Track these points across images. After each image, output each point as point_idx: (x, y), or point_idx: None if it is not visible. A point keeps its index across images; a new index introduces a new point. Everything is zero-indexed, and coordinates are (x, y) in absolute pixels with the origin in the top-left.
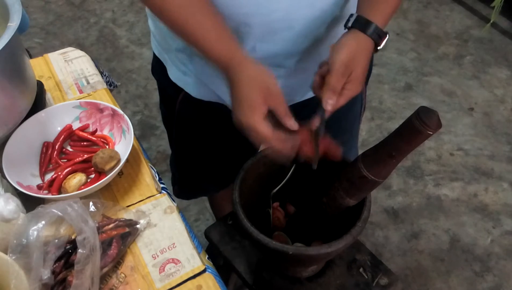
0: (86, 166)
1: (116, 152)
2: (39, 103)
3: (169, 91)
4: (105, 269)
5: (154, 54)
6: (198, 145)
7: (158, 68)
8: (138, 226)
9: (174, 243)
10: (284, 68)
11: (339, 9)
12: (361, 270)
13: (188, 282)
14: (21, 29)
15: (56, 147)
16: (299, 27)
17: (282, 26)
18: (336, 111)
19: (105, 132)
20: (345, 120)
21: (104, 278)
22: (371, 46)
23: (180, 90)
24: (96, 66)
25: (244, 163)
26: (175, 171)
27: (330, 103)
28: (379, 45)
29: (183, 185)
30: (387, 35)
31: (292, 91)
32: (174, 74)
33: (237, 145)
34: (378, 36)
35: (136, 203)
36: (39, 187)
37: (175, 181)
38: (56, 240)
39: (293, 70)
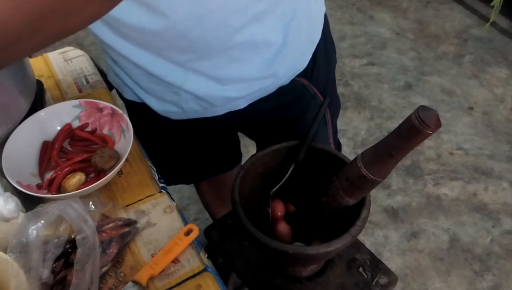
0: (85, 166)
1: (116, 152)
2: (38, 103)
3: (117, 91)
4: (104, 269)
5: None
6: (148, 143)
7: None
8: (137, 225)
9: None
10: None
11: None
12: (360, 269)
13: (188, 281)
14: None
15: (56, 146)
16: None
17: None
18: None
19: (105, 131)
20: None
21: (103, 278)
22: None
23: None
24: (96, 65)
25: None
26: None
27: None
28: None
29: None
30: None
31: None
32: (110, 75)
33: (182, 143)
34: None
35: (135, 202)
36: (39, 187)
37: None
38: (56, 240)
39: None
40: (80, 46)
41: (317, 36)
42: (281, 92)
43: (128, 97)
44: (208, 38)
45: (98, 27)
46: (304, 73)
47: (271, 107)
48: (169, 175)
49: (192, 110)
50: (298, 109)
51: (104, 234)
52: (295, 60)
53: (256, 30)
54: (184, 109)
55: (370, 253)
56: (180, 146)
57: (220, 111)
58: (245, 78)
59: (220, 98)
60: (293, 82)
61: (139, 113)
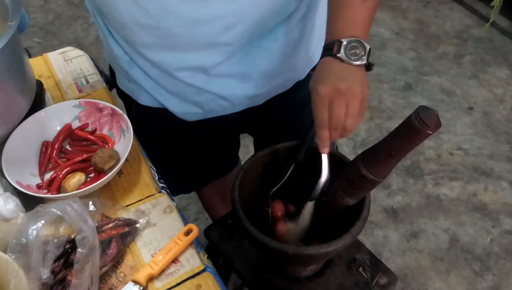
0: (85, 166)
1: (116, 152)
2: (38, 103)
3: (124, 98)
4: (104, 269)
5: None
6: (156, 149)
7: (113, 75)
8: (137, 225)
9: None
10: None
11: (293, 2)
12: (360, 269)
13: (188, 281)
14: (20, 28)
15: (56, 146)
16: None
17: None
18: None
19: (105, 131)
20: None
21: (103, 278)
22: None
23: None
24: (96, 65)
25: (210, 163)
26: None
27: (324, 150)
28: (360, 57)
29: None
30: (367, 48)
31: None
32: (121, 82)
33: (193, 147)
34: (352, 48)
35: (135, 202)
36: (39, 187)
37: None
38: (56, 240)
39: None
40: (80, 46)
41: (324, 30)
42: (297, 88)
43: (144, 103)
44: (247, 34)
45: (135, 29)
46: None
47: (286, 104)
48: (174, 183)
49: (212, 110)
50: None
51: (104, 234)
52: (310, 52)
53: (278, 25)
54: (204, 110)
55: (370, 253)
56: (186, 150)
57: (238, 108)
58: (265, 73)
59: (240, 96)
60: (308, 76)
61: (152, 119)
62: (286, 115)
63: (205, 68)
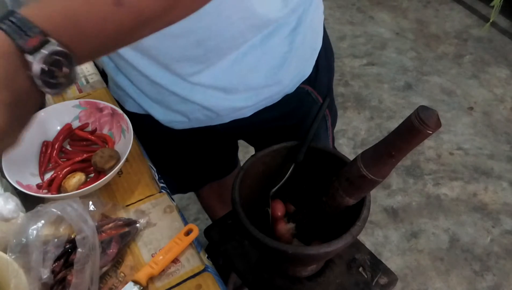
0: (85, 166)
1: (116, 152)
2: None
3: (119, 103)
4: (104, 269)
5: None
6: (150, 152)
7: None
8: (137, 225)
9: None
10: None
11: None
12: (360, 269)
13: (188, 281)
14: None
15: (56, 146)
16: None
17: None
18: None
19: (105, 131)
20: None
21: (103, 278)
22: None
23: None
24: (96, 65)
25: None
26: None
27: None
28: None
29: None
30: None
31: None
32: (110, 87)
33: (186, 153)
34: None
35: (135, 202)
36: (39, 187)
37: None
38: (56, 240)
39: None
40: None
41: (318, 43)
42: (286, 100)
43: (130, 109)
44: (223, 48)
45: None
46: (308, 80)
47: (276, 115)
48: (172, 183)
49: (198, 119)
50: (301, 116)
51: (104, 234)
52: (300, 67)
53: (265, 39)
54: (190, 119)
55: (370, 253)
56: (181, 155)
57: (225, 119)
58: (251, 87)
59: (226, 108)
60: (297, 89)
61: (141, 125)
62: (277, 126)
63: (182, 75)
